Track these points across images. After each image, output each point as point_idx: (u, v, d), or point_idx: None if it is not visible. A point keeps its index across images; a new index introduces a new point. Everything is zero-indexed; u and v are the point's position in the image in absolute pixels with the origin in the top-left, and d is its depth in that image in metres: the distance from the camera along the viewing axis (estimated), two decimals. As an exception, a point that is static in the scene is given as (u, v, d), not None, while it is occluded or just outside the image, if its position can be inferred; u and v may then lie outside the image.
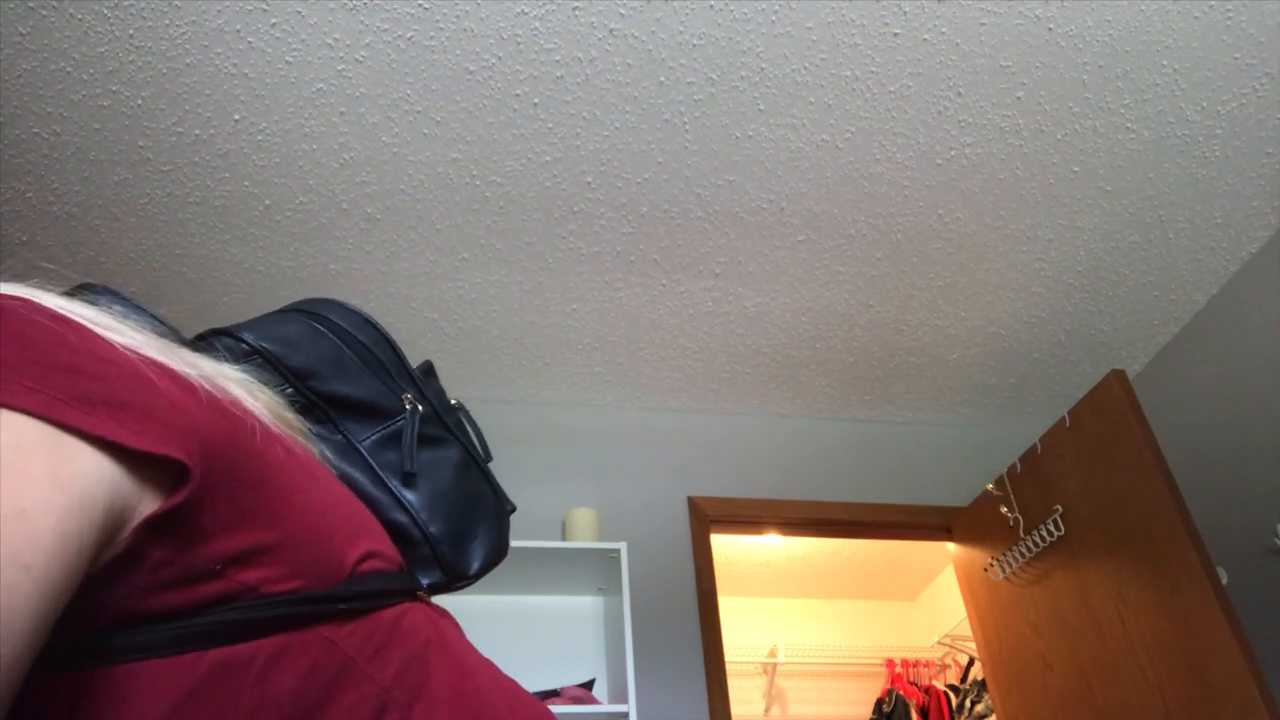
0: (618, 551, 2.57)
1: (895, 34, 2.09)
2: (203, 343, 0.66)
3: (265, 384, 0.60)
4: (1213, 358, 2.90)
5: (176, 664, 0.43)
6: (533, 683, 2.57)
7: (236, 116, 2.16)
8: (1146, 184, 2.52)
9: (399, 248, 2.54)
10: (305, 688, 0.48)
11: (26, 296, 0.46)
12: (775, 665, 4.58)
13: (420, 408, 0.75)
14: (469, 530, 0.74)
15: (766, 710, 4.55)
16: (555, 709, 2.35)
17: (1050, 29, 2.10)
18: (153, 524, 0.42)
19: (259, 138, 2.21)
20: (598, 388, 3.14)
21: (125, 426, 0.41)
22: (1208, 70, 2.23)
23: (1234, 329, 2.82)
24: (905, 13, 2.05)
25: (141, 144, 2.21)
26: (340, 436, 0.70)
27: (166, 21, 1.96)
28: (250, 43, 2.01)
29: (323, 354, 0.71)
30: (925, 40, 2.11)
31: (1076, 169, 2.45)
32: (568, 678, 2.61)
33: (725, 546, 4.31)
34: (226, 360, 0.60)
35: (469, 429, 0.81)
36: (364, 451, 0.70)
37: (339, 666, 0.50)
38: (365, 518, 0.61)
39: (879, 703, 4.44)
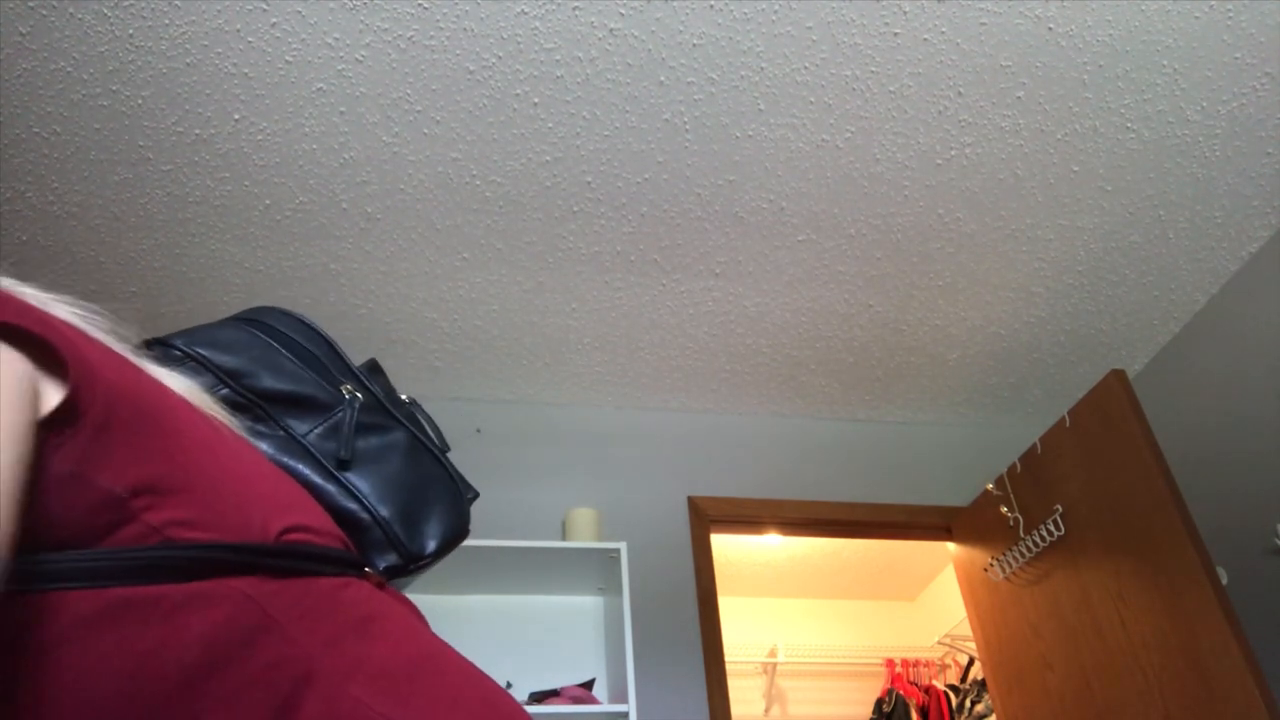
0: (618, 551, 2.57)
1: (895, 34, 2.09)
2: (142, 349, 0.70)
3: (200, 386, 0.63)
4: (1213, 358, 2.90)
5: (82, 596, 0.45)
6: (533, 683, 2.57)
7: (236, 116, 2.16)
8: (1146, 184, 2.52)
9: (399, 248, 2.54)
10: (217, 638, 0.49)
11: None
12: (775, 665, 4.58)
13: (360, 396, 0.77)
14: (422, 511, 0.76)
15: (766, 710, 4.55)
16: (555, 709, 2.35)
17: (1050, 29, 2.10)
18: (48, 423, 0.46)
19: (259, 138, 2.21)
20: (598, 388, 3.14)
21: (25, 318, 0.47)
22: (1208, 70, 2.23)
23: (1234, 329, 2.82)
24: (905, 13, 2.05)
25: (141, 144, 2.21)
26: (281, 433, 0.72)
27: (166, 21, 1.96)
28: (250, 43, 2.01)
29: (254, 355, 0.74)
30: (925, 40, 2.11)
31: (1076, 169, 2.45)
32: (568, 678, 2.61)
33: (725, 546, 4.31)
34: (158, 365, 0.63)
35: (421, 420, 0.83)
36: (307, 445, 0.72)
37: (257, 622, 0.51)
38: (301, 497, 0.63)
39: (879, 703, 4.44)
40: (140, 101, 2.11)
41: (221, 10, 1.95)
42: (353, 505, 0.72)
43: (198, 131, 2.19)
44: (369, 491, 0.73)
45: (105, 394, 0.48)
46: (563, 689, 2.48)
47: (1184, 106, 2.31)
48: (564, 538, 2.77)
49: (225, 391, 0.69)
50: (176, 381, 0.60)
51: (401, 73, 2.09)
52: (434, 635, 0.65)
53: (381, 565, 0.72)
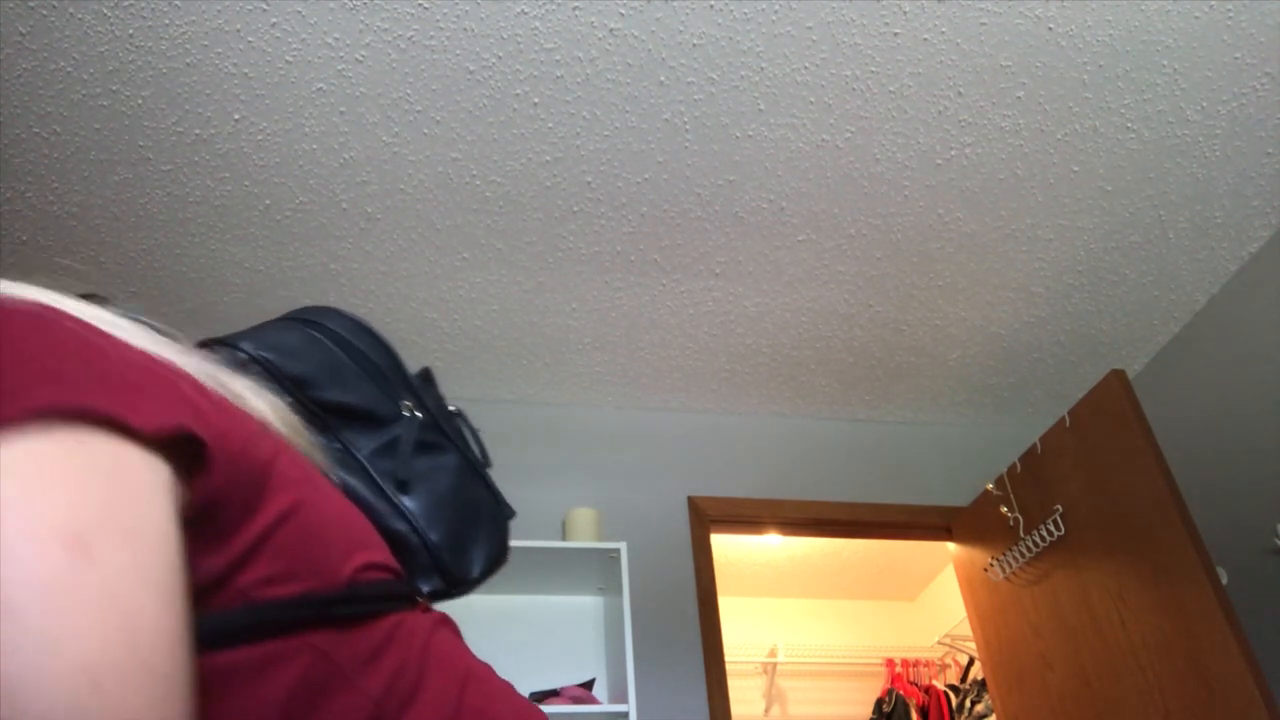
0: (618, 551, 2.57)
1: (895, 34, 2.09)
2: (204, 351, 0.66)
3: (285, 406, 0.60)
4: (1213, 358, 2.90)
5: None
6: (533, 683, 2.57)
7: (236, 116, 2.16)
8: (1146, 184, 2.52)
9: (399, 248, 2.54)
10: (293, 697, 0.47)
11: (49, 303, 0.46)
12: (775, 665, 4.58)
13: (418, 415, 0.75)
14: (469, 536, 0.74)
15: (766, 710, 4.55)
16: (555, 709, 2.35)
17: (1050, 29, 2.10)
18: (188, 520, 0.42)
19: (259, 138, 2.21)
20: (598, 388, 3.14)
21: (175, 405, 0.42)
22: (1208, 70, 2.23)
23: (1234, 329, 2.82)
24: (905, 13, 2.05)
25: (141, 144, 2.21)
26: (339, 445, 0.70)
27: (166, 21, 1.96)
28: (250, 43, 2.01)
29: (320, 362, 0.71)
30: (925, 40, 2.11)
31: (1076, 169, 2.45)
32: (568, 678, 2.61)
33: (725, 546, 4.31)
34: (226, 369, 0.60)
35: (468, 435, 0.81)
36: (363, 460, 0.70)
37: (327, 675, 0.49)
38: (366, 531, 0.61)
39: (879, 702, 4.44)
40: (140, 101, 2.11)
41: (221, 10, 1.95)
42: (402, 527, 0.70)
43: (198, 131, 2.19)
44: (419, 514, 0.71)
45: (236, 476, 0.45)
46: (563, 689, 2.48)
47: (1184, 106, 2.31)
48: (564, 538, 2.77)
49: (289, 401, 0.66)
50: (263, 400, 0.57)
51: (401, 73, 2.09)
52: (472, 656, 0.64)
53: (425, 589, 0.71)
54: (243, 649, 0.45)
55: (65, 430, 0.37)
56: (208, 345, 0.67)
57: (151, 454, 0.41)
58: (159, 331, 0.58)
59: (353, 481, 0.69)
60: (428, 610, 0.64)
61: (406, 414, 0.74)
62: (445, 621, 0.64)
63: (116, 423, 0.39)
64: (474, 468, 0.79)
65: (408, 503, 0.70)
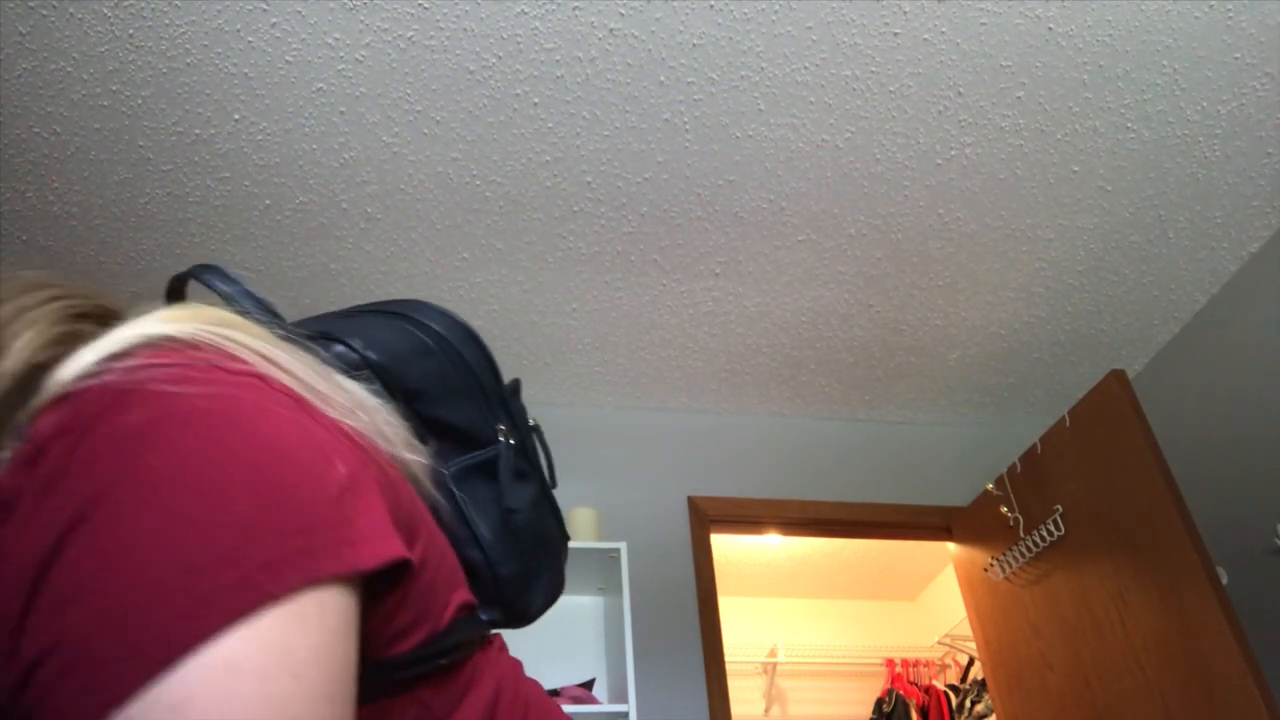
0: (618, 551, 2.57)
1: (895, 34, 2.09)
2: (318, 345, 0.59)
3: (409, 431, 0.56)
4: (1213, 358, 2.90)
5: None
6: (533, 683, 2.57)
7: (236, 116, 2.16)
8: (1146, 184, 2.52)
9: (399, 248, 2.54)
10: None
11: (261, 373, 0.44)
12: (775, 665, 4.58)
13: (513, 441, 0.70)
14: (535, 571, 0.70)
15: (766, 710, 4.55)
16: (555, 709, 2.35)
17: (1050, 29, 2.10)
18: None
19: (259, 138, 2.21)
20: (598, 388, 3.14)
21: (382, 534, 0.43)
22: (1208, 70, 2.23)
23: (1234, 329, 2.82)
24: (905, 13, 2.05)
25: (141, 144, 2.21)
26: (433, 462, 0.64)
27: (166, 21, 1.96)
28: (250, 43, 2.01)
29: (429, 371, 0.65)
30: (925, 40, 2.11)
31: (1076, 169, 2.45)
32: (568, 677, 2.61)
33: (725, 546, 4.31)
34: (339, 370, 0.55)
35: (541, 454, 0.75)
36: (448, 480, 0.65)
37: None
38: (455, 564, 0.57)
39: (879, 702, 4.44)
40: (140, 101, 2.11)
41: (221, 10, 1.95)
42: (476, 556, 0.65)
43: (198, 131, 2.19)
44: (493, 544, 0.66)
45: (418, 573, 0.46)
46: (563, 689, 2.48)
47: (1184, 106, 2.31)
48: (564, 538, 2.77)
49: (401, 409, 0.60)
50: (395, 430, 0.53)
51: (401, 73, 2.09)
52: (530, 681, 0.64)
53: (485, 618, 0.66)
54: (363, 709, 0.44)
55: (309, 596, 0.38)
56: (318, 339, 0.60)
57: (355, 587, 0.41)
58: (275, 314, 0.55)
59: (441, 502, 0.63)
60: (495, 642, 0.62)
61: (502, 439, 0.69)
62: (504, 649, 0.63)
63: (346, 576, 0.40)
64: (547, 495, 0.74)
65: (485, 533, 0.66)
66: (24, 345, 0.44)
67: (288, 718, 0.36)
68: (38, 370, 0.43)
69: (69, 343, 0.44)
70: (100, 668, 0.34)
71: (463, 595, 0.54)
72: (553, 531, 0.74)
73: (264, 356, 0.46)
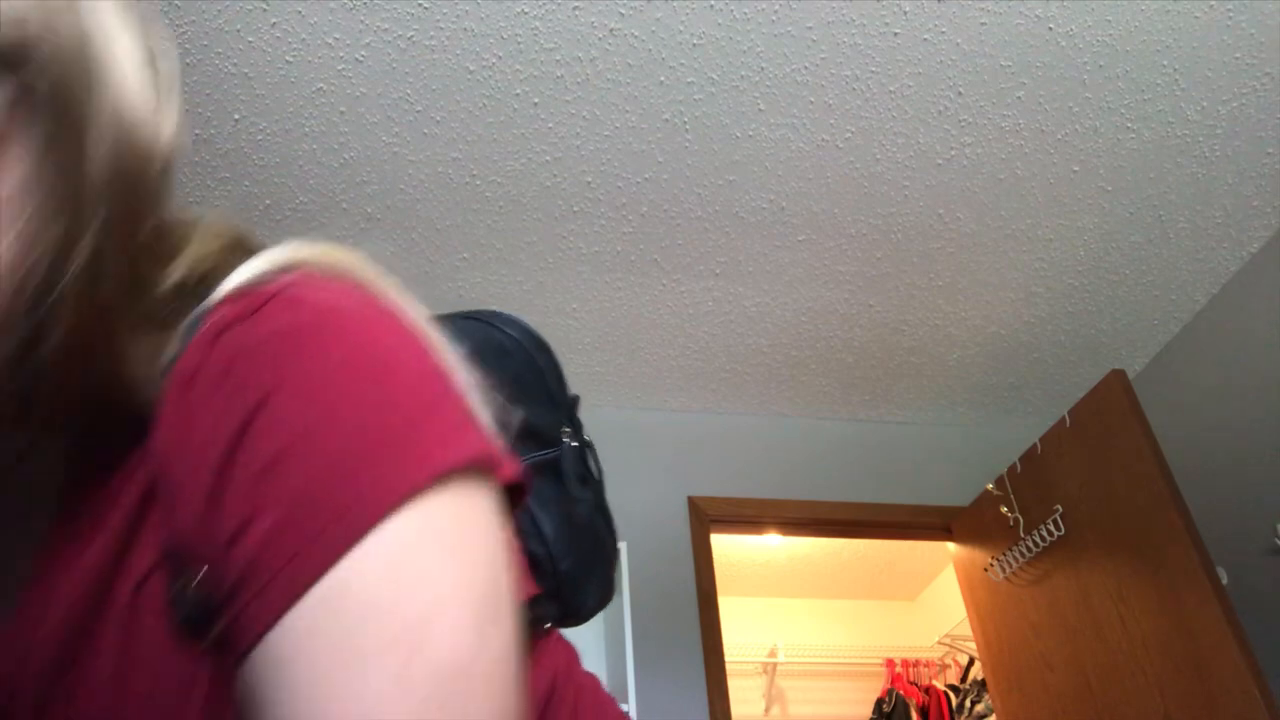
0: (617, 551, 2.57)
1: (895, 34, 2.09)
2: None
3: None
4: (1213, 358, 2.90)
5: None
6: (533, 683, 2.57)
7: (236, 116, 2.16)
8: (1146, 184, 2.52)
9: (399, 248, 2.54)
10: None
11: (398, 308, 0.46)
12: (775, 665, 4.58)
13: (575, 445, 0.73)
14: (591, 570, 0.72)
15: (766, 710, 4.55)
16: (555, 709, 2.35)
17: (1050, 29, 2.10)
18: None
19: (259, 137, 2.21)
20: (598, 388, 3.14)
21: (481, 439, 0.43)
22: (1208, 70, 2.23)
23: (1234, 329, 2.82)
24: (905, 13, 2.05)
25: (141, 144, 2.21)
26: None
27: (166, 21, 1.96)
28: (250, 43, 2.01)
29: (506, 371, 0.68)
30: (925, 40, 2.11)
31: (1076, 169, 2.45)
32: (568, 678, 2.61)
33: (725, 546, 4.31)
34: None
35: (592, 465, 0.79)
36: None
37: None
38: (521, 556, 0.59)
39: (879, 703, 4.44)
40: (140, 101, 2.11)
41: (221, 10, 1.95)
42: (539, 550, 0.67)
43: (198, 132, 2.19)
44: (555, 539, 0.68)
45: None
46: (563, 689, 2.48)
47: (1184, 106, 2.31)
48: (564, 538, 2.77)
49: None
50: (485, 416, 0.55)
51: (401, 73, 2.09)
52: (588, 674, 0.64)
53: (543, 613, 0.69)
54: None
55: (459, 487, 0.39)
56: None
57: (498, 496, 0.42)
58: None
59: None
60: (553, 632, 0.63)
61: (565, 441, 0.72)
62: (561, 636, 0.64)
63: (490, 473, 0.41)
64: (601, 502, 0.77)
65: (548, 528, 0.68)
66: (205, 251, 0.50)
67: (480, 579, 0.37)
68: (215, 273, 0.46)
69: (243, 254, 0.48)
70: (323, 518, 0.35)
71: (529, 587, 0.56)
72: (604, 533, 0.76)
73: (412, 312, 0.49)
